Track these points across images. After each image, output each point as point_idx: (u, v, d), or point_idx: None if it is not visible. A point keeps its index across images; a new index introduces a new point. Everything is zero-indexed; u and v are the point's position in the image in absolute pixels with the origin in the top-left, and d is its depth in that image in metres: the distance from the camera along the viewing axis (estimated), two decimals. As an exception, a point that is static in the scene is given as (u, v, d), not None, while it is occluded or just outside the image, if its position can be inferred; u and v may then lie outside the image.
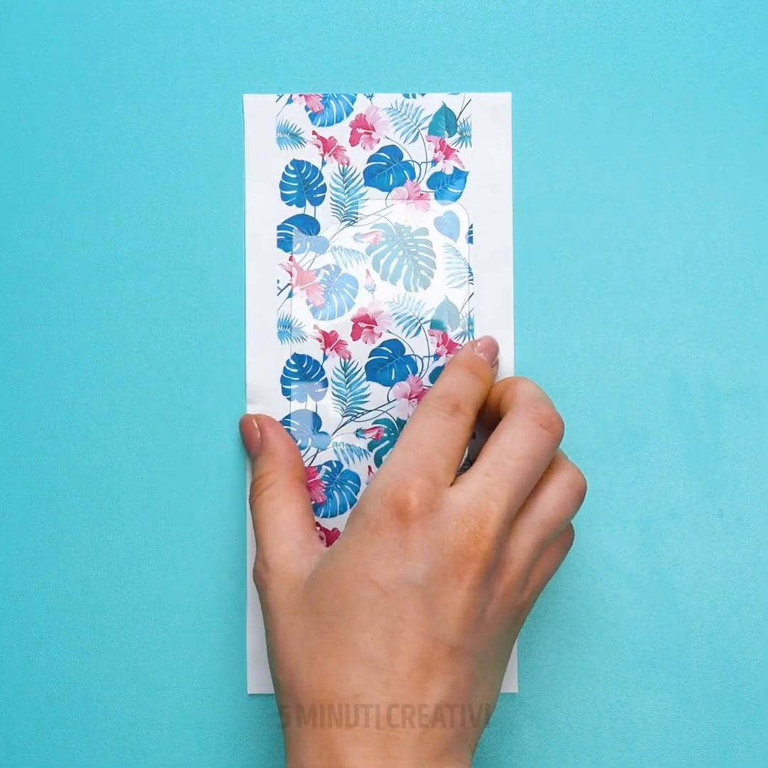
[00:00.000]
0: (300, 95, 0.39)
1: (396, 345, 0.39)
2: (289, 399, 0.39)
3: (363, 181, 0.39)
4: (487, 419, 0.37)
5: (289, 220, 0.39)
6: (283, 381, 0.39)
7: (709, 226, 0.39)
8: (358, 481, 0.39)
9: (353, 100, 0.39)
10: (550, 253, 0.39)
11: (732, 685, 0.38)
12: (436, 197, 0.39)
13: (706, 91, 0.39)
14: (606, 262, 0.39)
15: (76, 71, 0.39)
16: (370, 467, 0.39)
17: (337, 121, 0.39)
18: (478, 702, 0.32)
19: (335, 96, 0.39)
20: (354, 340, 0.39)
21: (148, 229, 0.39)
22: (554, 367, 0.39)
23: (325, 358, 0.39)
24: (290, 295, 0.39)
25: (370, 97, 0.39)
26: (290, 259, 0.39)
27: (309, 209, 0.39)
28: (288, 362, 0.39)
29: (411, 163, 0.39)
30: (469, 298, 0.39)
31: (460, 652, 0.31)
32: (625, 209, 0.39)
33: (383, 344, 0.39)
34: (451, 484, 0.33)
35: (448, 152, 0.39)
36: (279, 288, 0.39)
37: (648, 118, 0.39)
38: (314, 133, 0.39)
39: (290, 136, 0.39)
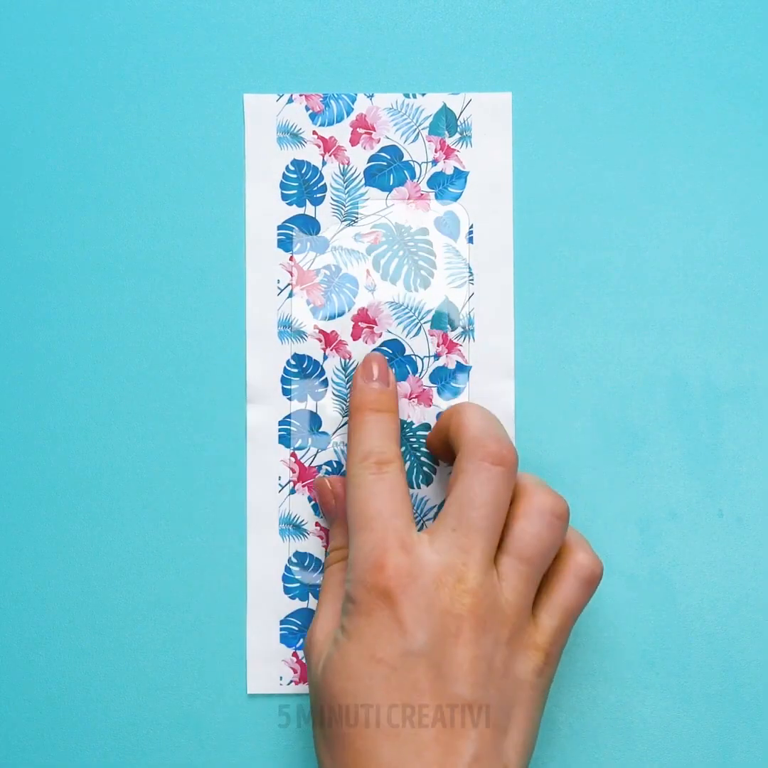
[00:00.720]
0: (300, 95, 0.39)
1: (396, 345, 0.39)
2: (290, 399, 0.39)
3: (363, 181, 0.39)
4: (439, 450, 0.38)
5: (289, 220, 0.39)
6: (284, 381, 0.39)
7: (709, 227, 0.39)
8: None
9: (353, 100, 0.39)
10: (551, 253, 0.39)
11: (732, 685, 0.38)
12: (436, 197, 0.39)
13: (707, 92, 0.39)
14: (606, 262, 0.39)
15: (76, 71, 0.39)
16: None
17: (338, 121, 0.39)
18: (510, 750, 0.32)
19: (335, 96, 0.39)
20: (354, 340, 0.39)
21: (148, 229, 0.39)
22: (554, 367, 0.39)
23: (325, 358, 0.39)
24: (290, 295, 0.39)
25: (371, 97, 0.39)
26: (290, 259, 0.39)
27: (309, 209, 0.39)
28: (288, 362, 0.39)
29: (411, 163, 0.39)
30: (470, 298, 0.39)
31: (478, 705, 0.31)
32: (626, 209, 0.39)
33: (383, 344, 0.39)
34: (423, 531, 0.34)
35: (448, 152, 0.39)
36: (279, 288, 0.39)
37: (648, 119, 0.39)
38: (314, 132, 0.39)
39: (290, 135, 0.39)
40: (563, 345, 0.39)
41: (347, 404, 0.39)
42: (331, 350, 0.39)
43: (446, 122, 0.39)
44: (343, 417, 0.39)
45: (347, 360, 0.39)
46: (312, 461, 0.39)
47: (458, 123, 0.39)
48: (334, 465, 0.39)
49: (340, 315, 0.39)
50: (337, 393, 0.39)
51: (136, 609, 0.38)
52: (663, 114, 0.39)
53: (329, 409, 0.39)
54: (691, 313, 0.39)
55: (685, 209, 0.39)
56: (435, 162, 0.39)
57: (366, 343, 0.39)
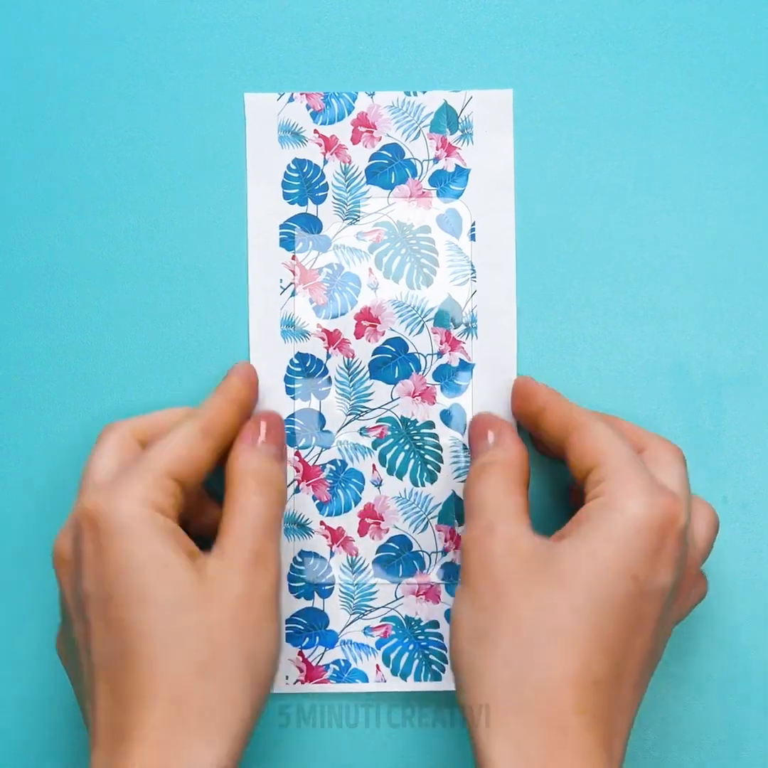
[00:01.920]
0: (301, 94, 0.39)
1: (399, 343, 0.39)
2: (293, 398, 0.39)
3: (365, 180, 0.39)
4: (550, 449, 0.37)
5: (291, 219, 0.39)
6: (287, 380, 0.39)
7: (709, 220, 0.39)
8: (362, 479, 0.39)
9: (354, 99, 0.39)
10: (552, 248, 0.39)
11: (740, 671, 0.38)
12: (438, 195, 0.39)
13: (708, 86, 0.39)
14: (607, 256, 0.39)
15: (77, 71, 0.39)
16: (374, 466, 0.39)
17: (339, 120, 0.39)
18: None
19: (336, 94, 0.39)
20: (357, 338, 0.39)
21: (150, 229, 0.39)
22: (557, 360, 0.39)
23: (328, 356, 0.39)
24: (293, 294, 0.39)
25: (372, 95, 0.39)
26: (292, 258, 0.39)
27: (311, 208, 0.39)
28: (291, 361, 0.39)
29: (413, 161, 0.39)
30: (472, 295, 0.39)
31: (656, 657, 0.33)
32: (626, 204, 0.39)
33: (386, 342, 0.39)
34: None
35: (449, 150, 0.39)
36: (281, 287, 0.39)
37: (649, 114, 0.39)
38: (316, 131, 0.39)
39: (292, 134, 0.39)
40: (565, 338, 0.39)
41: (351, 403, 0.39)
42: (335, 349, 0.39)
43: (447, 120, 0.39)
44: (347, 415, 0.39)
45: (350, 359, 0.39)
46: (316, 460, 0.39)
47: (459, 120, 0.39)
48: (339, 463, 0.39)
49: (342, 314, 0.39)
50: (341, 391, 0.39)
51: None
52: (663, 109, 0.39)
53: (333, 408, 0.39)
54: (691, 302, 0.39)
55: (686, 203, 0.39)
56: (436, 160, 0.39)
57: (369, 341, 0.39)
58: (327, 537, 0.39)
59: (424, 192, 0.39)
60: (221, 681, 0.31)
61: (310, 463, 0.39)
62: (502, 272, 0.39)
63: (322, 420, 0.39)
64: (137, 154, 0.39)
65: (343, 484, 0.39)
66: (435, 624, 0.39)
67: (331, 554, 0.39)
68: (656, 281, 0.39)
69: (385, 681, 0.38)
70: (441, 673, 0.38)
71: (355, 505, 0.39)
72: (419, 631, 0.39)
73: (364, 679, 0.39)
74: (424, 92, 0.39)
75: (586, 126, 0.39)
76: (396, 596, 0.39)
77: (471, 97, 0.39)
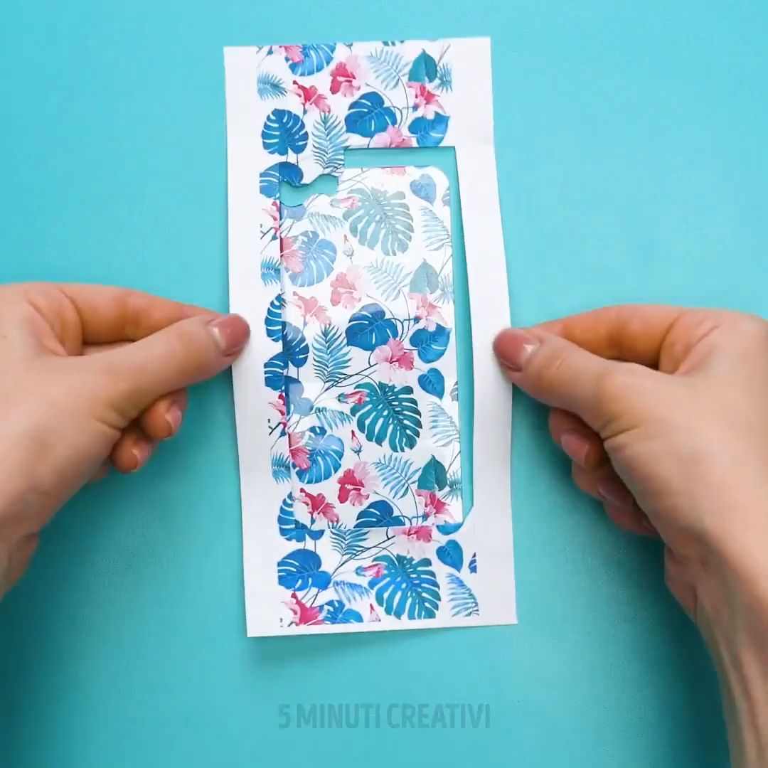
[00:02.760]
0: (280, 46, 0.38)
1: (376, 309, 0.38)
2: (275, 340, 0.37)
3: (345, 128, 0.38)
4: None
5: (271, 168, 0.38)
6: (268, 322, 0.37)
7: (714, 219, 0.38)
8: (342, 445, 0.38)
9: (333, 50, 0.38)
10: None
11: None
12: (418, 142, 0.38)
13: (705, 78, 0.38)
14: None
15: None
16: (353, 432, 0.38)
17: (318, 70, 0.38)
18: None
19: (315, 46, 0.38)
20: (334, 305, 0.38)
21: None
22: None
23: (305, 324, 0.38)
24: (274, 237, 0.38)
25: (350, 45, 0.38)
26: (273, 204, 0.38)
27: (291, 157, 0.38)
28: (270, 309, 0.37)
29: (392, 108, 0.38)
30: (447, 260, 0.38)
31: None
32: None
33: (363, 308, 0.38)
34: None
35: (428, 97, 0.38)
36: (262, 232, 0.38)
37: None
38: (295, 82, 0.38)
39: (271, 86, 0.38)
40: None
41: (329, 369, 0.38)
42: (311, 316, 0.38)
43: (426, 68, 0.38)
44: (326, 382, 0.37)
45: (327, 326, 0.38)
46: (295, 427, 0.38)
47: (438, 69, 0.38)
48: (318, 430, 0.38)
49: (319, 281, 0.38)
50: (318, 359, 0.38)
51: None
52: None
53: (311, 375, 0.38)
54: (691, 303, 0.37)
55: (687, 199, 0.38)
56: (415, 107, 0.38)
57: (345, 308, 0.38)
58: (308, 504, 0.38)
59: (404, 139, 0.38)
60: None
61: (290, 431, 0.38)
62: (487, 223, 0.38)
63: (299, 387, 0.38)
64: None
65: (322, 452, 0.38)
66: (427, 562, 0.38)
67: (312, 521, 0.39)
68: (657, 277, 0.38)
69: (379, 620, 0.38)
70: (434, 610, 0.38)
71: (335, 471, 0.38)
72: (411, 570, 0.38)
73: (359, 619, 0.38)
74: (401, 42, 0.38)
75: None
76: (387, 536, 0.39)
77: (449, 46, 0.38)
